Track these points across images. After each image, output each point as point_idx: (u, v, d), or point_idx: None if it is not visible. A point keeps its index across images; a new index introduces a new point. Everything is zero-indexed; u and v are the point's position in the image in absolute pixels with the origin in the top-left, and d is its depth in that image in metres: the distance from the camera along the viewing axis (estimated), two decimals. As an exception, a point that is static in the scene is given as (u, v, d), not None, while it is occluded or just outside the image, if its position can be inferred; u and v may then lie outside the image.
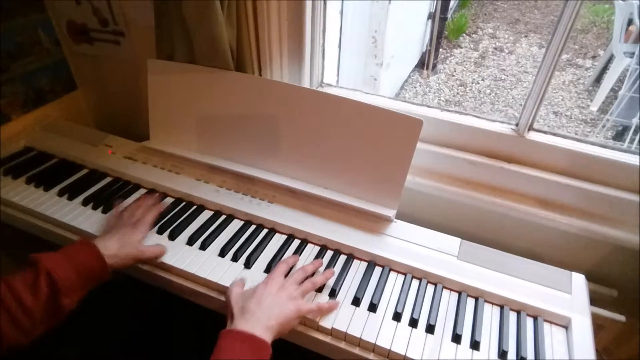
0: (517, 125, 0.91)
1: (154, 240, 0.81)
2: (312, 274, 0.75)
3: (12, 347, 0.60)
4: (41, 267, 0.63)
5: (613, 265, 0.92)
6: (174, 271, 0.77)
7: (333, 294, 0.73)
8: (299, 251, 0.80)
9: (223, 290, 0.74)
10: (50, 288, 0.63)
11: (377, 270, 0.78)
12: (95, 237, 0.75)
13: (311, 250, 0.81)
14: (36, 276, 0.63)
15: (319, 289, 0.73)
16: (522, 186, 0.93)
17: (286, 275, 0.73)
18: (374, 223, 0.84)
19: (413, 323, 0.69)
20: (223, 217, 0.87)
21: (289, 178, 0.90)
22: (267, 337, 0.61)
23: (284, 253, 0.80)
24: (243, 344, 0.59)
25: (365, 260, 0.80)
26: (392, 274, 0.78)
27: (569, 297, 0.73)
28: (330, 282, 0.74)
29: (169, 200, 0.90)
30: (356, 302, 0.72)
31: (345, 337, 0.67)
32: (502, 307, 0.73)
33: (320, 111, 0.85)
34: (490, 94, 3.29)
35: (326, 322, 0.68)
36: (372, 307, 0.71)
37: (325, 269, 0.76)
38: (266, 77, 0.95)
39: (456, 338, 0.68)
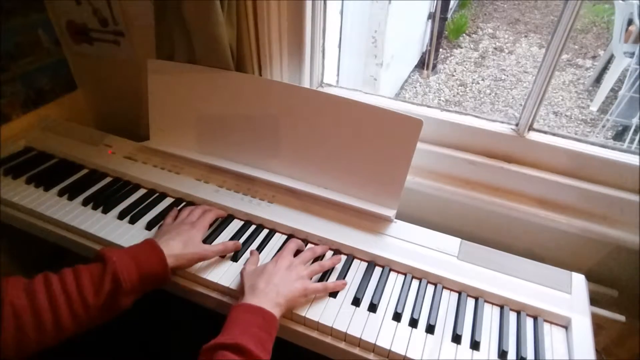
0: (517, 125, 0.91)
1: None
2: (321, 258, 0.77)
3: (64, 338, 0.61)
4: (109, 266, 0.63)
5: (613, 265, 0.92)
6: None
7: (333, 294, 0.73)
8: (299, 251, 0.80)
9: (222, 290, 0.74)
10: (114, 288, 0.63)
11: (377, 271, 0.78)
12: (95, 236, 0.75)
13: (311, 250, 0.81)
14: (103, 273, 0.63)
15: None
16: (522, 186, 0.93)
17: (295, 255, 0.75)
18: (374, 223, 0.84)
19: (413, 323, 0.69)
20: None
21: (289, 178, 0.90)
22: (276, 312, 0.64)
23: (284, 253, 0.80)
24: (253, 315, 0.62)
25: (365, 261, 0.80)
26: (392, 274, 0.78)
27: (569, 297, 0.73)
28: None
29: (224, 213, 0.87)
30: (356, 302, 0.72)
31: (345, 337, 0.67)
32: (502, 307, 0.73)
33: (320, 111, 0.85)
34: (490, 94, 3.29)
35: (326, 322, 0.68)
36: (372, 307, 0.71)
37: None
38: (266, 77, 0.95)
39: (456, 338, 0.68)
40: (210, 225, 0.84)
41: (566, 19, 0.77)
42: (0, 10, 0.98)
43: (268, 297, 0.65)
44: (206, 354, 0.57)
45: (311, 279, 0.73)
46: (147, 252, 0.69)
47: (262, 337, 0.60)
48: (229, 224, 0.86)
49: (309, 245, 0.80)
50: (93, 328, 0.64)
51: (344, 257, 0.79)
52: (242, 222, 0.86)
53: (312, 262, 0.76)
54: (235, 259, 0.78)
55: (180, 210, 0.85)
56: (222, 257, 0.78)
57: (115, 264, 0.64)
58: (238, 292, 0.70)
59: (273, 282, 0.67)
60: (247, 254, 0.79)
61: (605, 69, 3.23)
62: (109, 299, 0.63)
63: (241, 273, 0.72)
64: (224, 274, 0.75)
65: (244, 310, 0.63)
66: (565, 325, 0.71)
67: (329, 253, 0.80)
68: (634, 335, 0.95)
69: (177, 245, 0.71)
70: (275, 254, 0.79)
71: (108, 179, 0.96)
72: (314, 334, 0.69)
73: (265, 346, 0.60)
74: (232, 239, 0.82)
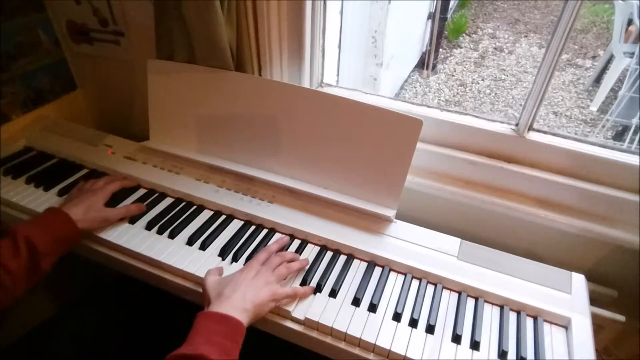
0: (517, 125, 0.91)
1: (152, 238, 0.81)
2: (290, 262, 0.76)
3: None
4: (19, 234, 0.70)
5: (613, 265, 0.92)
6: (173, 271, 0.77)
7: (333, 294, 0.73)
8: (299, 251, 0.80)
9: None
10: (30, 252, 0.69)
11: (377, 271, 0.78)
12: (94, 236, 0.76)
13: (311, 250, 0.81)
14: (15, 242, 0.69)
15: (318, 289, 0.73)
16: (522, 186, 0.93)
17: None
18: (374, 223, 0.84)
19: (413, 323, 0.69)
20: (223, 217, 0.87)
21: (289, 178, 0.90)
22: (243, 318, 0.63)
23: (284, 253, 0.80)
24: (218, 324, 0.61)
25: (365, 261, 0.80)
26: (392, 274, 0.78)
27: (569, 297, 0.73)
28: (331, 282, 0.74)
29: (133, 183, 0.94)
30: (356, 302, 0.72)
31: (345, 337, 0.67)
32: (502, 307, 0.73)
33: (320, 111, 0.85)
34: (490, 94, 3.29)
35: (326, 322, 0.68)
36: (372, 308, 0.71)
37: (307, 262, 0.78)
38: (266, 77, 0.95)
39: (456, 338, 0.68)
40: (210, 225, 0.84)
41: (566, 19, 0.77)
42: (0, 10, 0.98)
43: (234, 304, 0.64)
44: None
45: (279, 283, 0.71)
46: (51, 216, 0.76)
47: (226, 345, 0.59)
48: (228, 224, 0.86)
49: (280, 252, 0.78)
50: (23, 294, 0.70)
51: (340, 265, 0.78)
52: (242, 222, 0.86)
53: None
54: (235, 259, 0.78)
55: (87, 181, 0.90)
56: (222, 257, 0.78)
57: (23, 231, 0.70)
58: (204, 302, 0.68)
59: (240, 290, 0.66)
60: (247, 254, 0.79)
61: (605, 69, 3.23)
62: (30, 263, 0.69)
63: (204, 283, 0.69)
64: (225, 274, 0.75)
65: (209, 319, 0.62)
66: (565, 325, 0.71)
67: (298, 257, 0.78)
68: (633, 335, 0.95)
69: (78, 210, 0.78)
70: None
71: (108, 179, 0.96)
72: (314, 334, 0.69)
73: (230, 355, 0.59)
74: (231, 239, 0.82)
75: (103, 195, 0.84)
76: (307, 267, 0.77)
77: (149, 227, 0.84)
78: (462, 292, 0.75)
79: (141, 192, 0.93)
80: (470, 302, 0.74)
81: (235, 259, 0.78)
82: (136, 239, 0.81)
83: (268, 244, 0.82)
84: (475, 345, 0.67)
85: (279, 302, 0.70)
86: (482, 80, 3.45)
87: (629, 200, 0.86)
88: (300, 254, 0.80)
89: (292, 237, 0.84)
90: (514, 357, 0.66)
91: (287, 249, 0.81)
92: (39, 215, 0.78)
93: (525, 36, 4.09)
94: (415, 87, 3.36)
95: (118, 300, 1.02)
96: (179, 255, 0.78)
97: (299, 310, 0.70)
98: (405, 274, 0.77)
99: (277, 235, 0.84)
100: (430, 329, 0.69)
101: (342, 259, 0.80)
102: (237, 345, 0.61)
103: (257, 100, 0.89)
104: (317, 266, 0.78)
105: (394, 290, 0.75)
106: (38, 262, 0.70)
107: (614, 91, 3.07)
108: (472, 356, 0.66)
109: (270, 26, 0.89)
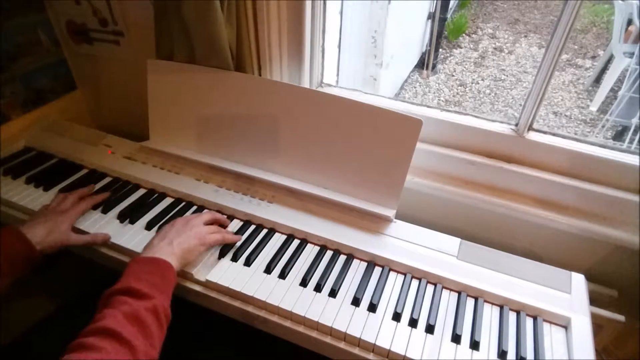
0: (516, 125, 0.91)
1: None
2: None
3: None
4: None
5: (613, 265, 0.92)
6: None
7: (333, 293, 0.73)
8: (298, 251, 0.80)
9: (222, 290, 0.74)
10: None
11: (377, 270, 0.78)
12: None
13: (311, 250, 0.81)
14: None
15: (318, 289, 0.73)
16: (521, 186, 0.93)
17: None
18: (373, 223, 0.84)
19: (413, 323, 0.69)
20: (222, 217, 0.87)
21: (289, 178, 0.90)
22: (171, 260, 0.68)
23: (284, 253, 0.80)
24: (145, 264, 0.66)
25: (364, 260, 0.80)
26: (392, 274, 0.78)
27: (569, 297, 0.73)
28: (330, 282, 0.74)
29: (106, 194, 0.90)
30: (356, 302, 0.72)
31: (345, 337, 0.67)
32: (501, 307, 0.73)
33: (320, 111, 0.85)
34: (490, 94, 3.29)
35: (326, 322, 0.68)
36: (372, 307, 0.71)
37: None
38: (266, 77, 0.95)
39: (456, 338, 0.68)
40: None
41: (566, 19, 0.77)
42: (0, 10, 0.98)
43: (161, 249, 0.69)
44: (101, 303, 0.60)
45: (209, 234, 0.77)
46: (6, 238, 0.72)
47: (155, 281, 0.63)
48: (228, 224, 0.86)
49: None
50: None
51: (339, 264, 0.78)
52: (242, 222, 0.86)
53: None
54: (235, 259, 0.78)
55: (57, 196, 0.87)
56: (222, 256, 0.78)
57: None
58: None
59: (167, 237, 0.72)
60: (246, 254, 0.79)
61: (604, 69, 3.23)
62: None
63: None
64: (224, 274, 0.75)
65: (136, 262, 0.66)
66: (565, 325, 0.71)
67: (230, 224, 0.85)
68: (633, 335, 0.95)
69: (40, 232, 0.75)
70: (275, 254, 0.79)
71: (108, 179, 0.96)
72: (314, 334, 0.69)
73: (162, 289, 0.63)
74: (231, 238, 0.82)
75: (71, 216, 0.80)
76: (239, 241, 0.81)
77: (148, 227, 0.84)
78: (461, 292, 0.75)
79: (141, 192, 0.93)
80: (470, 302, 0.74)
81: (235, 259, 0.78)
82: (135, 239, 0.81)
83: (268, 243, 0.82)
84: (474, 345, 0.67)
85: (208, 246, 0.76)
86: (482, 80, 3.45)
87: (629, 200, 0.86)
88: (299, 254, 0.80)
89: (292, 237, 0.84)
90: (514, 357, 0.66)
91: (286, 249, 0.81)
92: None
93: (525, 36, 4.09)
94: (415, 87, 3.36)
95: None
96: (179, 255, 0.78)
97: (298, 310, 0.70)
98: (405, 274, 0.77)
99: (277, 235, 0.84)
100: (429, 329, 0.69)
101: (342, 258, 0.80)
102: (168, 282, 0.65)
103: (256, 100, 0.89)
104: (317, 266, 0.78)
105: (394, 290, 0.75)
106: None
107: (614, 91, 3.07)
108: (471, 356, 0.66)
109: (270, 26, 0.89)
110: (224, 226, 0.84)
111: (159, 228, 0.83)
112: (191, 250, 0.72)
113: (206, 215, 0.81)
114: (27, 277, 0.73)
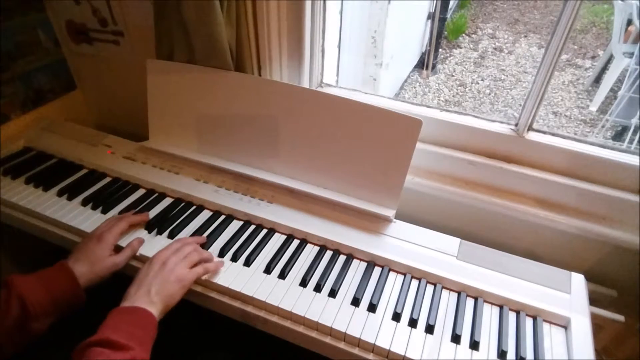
0: (516, 125, 0.91)
1: (151, 239, 0.81)
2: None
3: None
4: (14, 290, 0.63)
5: (613, 265, 0.92)
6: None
7: (332, 293, 0.73)
8: (298, 251, 0.80)
9: (221, 290, 0.74)
10: (21, 312, 0.63)
11: (377, 271, 0.78)
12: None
13: (311, 250, 0.81)
14: (7, 299, 0.63)
15: (317, 289, 0.73)
16: (521, 186, 0.93)
17: None
18: (373, 223, 0.84)
19: (412, 323, 0.69)
20: (222, 217, 0.87)
21: (288, 178, 0.90)
22: (151, 309, 0.63)
23: (284, 253, 0.80)
24: (124, 314, 0.62)
25: (364, 261, 0.80)
26: (392, 274, 0.78)
27: (569, 297, 0.73)
28: (330, 282, 0.74)
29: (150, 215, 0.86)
30: (355, 302, 0.72)
31: (344, 337, 0.67)
32: (501, 307, 0.73)
33: (320, 111, 0.85)
34: (489, 94, 3.29)
35: (326, 322, 0.68)
36: (372, 308, 0.71)
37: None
38: (266, 77, 0.95)
39: (455, 338, 0.68)
40: (210, 225, 0.84)
41: (565, 19, 0.77)
42: (0, 10, 0.98)
43: (139, 297, 0.64)
44: (77, 354, 0.57)
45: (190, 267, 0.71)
46: (55, 273, 0.68)
47: (134, 332, 0.60)
48: (228, 224, 0.85)
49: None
50: (10, 356, 0.63)
51: (339, 264, 0.78)
52: (242, 222, 0.86)
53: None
54: (235, 259, 0.78)
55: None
56: (222, 256, 0.78)
57: (20, 288, 0.63)
58: None
59: (144, 284, 0.66)
60: (246, 254, 0.79)
61: (604, 69, 3.23)
62: (17, 324, 0.62)
63: None
64: (223, 274, 0.75)
65: (116, 312, 0.62)
66: (565, 325, 0.71)
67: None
68: (633, 335, 0.95)
69: (82, 267, 0.70)
70: (275, 254, 0.79)
71: (107, 179, 0.96)
72: (314, 334, 0.69)
73: (141, 341, 0.60)
74: (231, 239, 0.82)
75: (108, 243, 0.75)
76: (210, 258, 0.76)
77: (148, 227, 0.84)
78: (461, 292, 0.75)
79: (141, 192, 0.93)
80: (470, 302, 0.74)
81: (234, 258, 0.78)
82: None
83: (268, 243, 0.82)
84: (474, 345, 0.67)
85: (191, 285, 0.71)
86: (482, 80, 3.45)
87: (629, 200, 0.86)
88: (299, 254, 0.80)
89: (292, 237, 0.84)
90: (514, 357, 0.66)
91: (286, 249, 0.81)
92: (44, 270, 0.69)
93: (525, 36, 4.09)
94: (414, 87, 3.36)
95: (116, 300, 1.02)
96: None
97: (298, 310, 0.70)
98: (404, 274, 0.77)
99: (276, 235, 0.84)
100: (429, 329, 0.68)
101: (342, 259, 0.80)
102: (148, 333, 0.61)
103: (256, 100, 0.89)
104: (317, 266, 0.78)
105: (394, 290, 0.75)
106: (28, 324, 0.63)
107: (614, 91, 3.07)
108: (471, 356, 0.66)
109: (270, 26, 0.89)
110: (203, 245, 0.80)
111: (159, 228, 0.83)
112: (172, 295, 0.67)
113: (187, 248, 0.74)
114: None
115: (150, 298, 0.65)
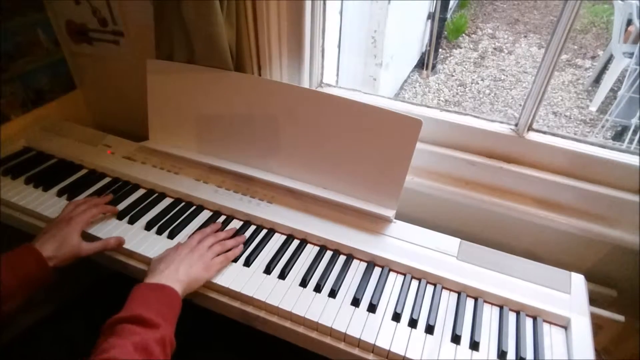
0: (516, 125, 0.91)
1: (151, 239, 0.81)
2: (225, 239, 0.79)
3: None
4: None
5: (612, 266, 0.92)
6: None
7: (332, 294, 0.73)
8: (298, 251, 0.80)
9: (221, 290, 0.74)
10: None
11: (377, 271, 0.78)
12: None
13: (310, 250, 0.81)
14: None
15: (317, 289, 0.73)
16: (521, 186, 0.93)
17: None
18: (373, 223, 0.84)
19: (412, 323, 0.69)
20: (222, 217, 0.87)
21: (288, 178, 0.90)
22: (177, 287, 0.66)
23: (284, 253, 0.80)
24: (152, 291, 0.64)
25: (364, 261, 0.80)
26: (392, 275, 0.78)
27: (568, 297, 0.73)
28: (330, 283, 0.74)
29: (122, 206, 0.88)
30: (355, 302, 0.72)
31: (344, 337, 0.67)
32: (501, 308, 0.73)
33: (320, 111, 0.85)
34: (489, 94, 3.29)
35: (326, 322, 0.68)
36: (372, 308, 0.71)
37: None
38: (265, 77, 0.95)
39: (455, 338, 0.68)
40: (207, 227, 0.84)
41: (565, 19, 0.77)
42: (0, 10, 0.99)
43: (168, 276, 0.66)
44: (107, 331, 0.57)
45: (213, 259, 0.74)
46: (21, 255, 0.69)
47: (161, 309, 0.61)
48: (228, 224, 0.85)
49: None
50: None
51: (339, 265, 0.78)
52: (242, 222, 0.86)
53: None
54: (235, 259, 0.78)
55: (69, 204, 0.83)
56: (234, 261, 0.78)
57: None
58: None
59: (173, 264, 0.69)
60: (246, 254, 0.79)
61: (604, 69, 3.23)
62: None
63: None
64: (223, 274, 0.75)
65: (143, 287, 0.64)
66: (565, 326, 0.71)
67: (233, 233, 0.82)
68: (633, 335, 0.95)
69: (49, 246, 0.71)
70: (275, 254, 0.79)
71: (107, 179, 0.96)
72: (314, 335, 0.69)
73: (168, 318, 0.61)
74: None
75: (78, 226, 0.76)
76: (243, 242, 0.80)
77: (148, 227, 0.83)
78: (461, 292, 0.75)
79: (141, 192, 0.93)
80: (470, 302, 0.74)
81: (234, 259, 0.78)
82: (135, 239, 0.81)
83: (268, 243, 0.82)
84: (474, 345, 0.67)
85: (214, 272, 0.73)
86: (482, 80, 3.45)
87: (629, 200, 0.86)
88: (299, 254, 0.80)
89: (292, 237, 0.83)
90: (514, 357, 0.66)
91: (286, 249, 0.81)
92: (9, 252, 0.69)
93: (525, 36, 4.09)
94: (414, 87, 3.36)
95: (115, 300, 1.02)
96: (179, 256, 0.78)
97: (298, 311, 0.70)
98: (404, 274, 0.77)
99: (276, 235, 0.84)
100: (429, 329, 0.68)
101: (342, 259, 0.80)
102: (174, 311, 0.63)
103: (256, 101, 0.89)
104: (317, 266, 0.78)
105: (394, 290, 0.75)
106: None
107: (614, 91, 3.07)
108: (471, 356, 0.66)
109: (270, 26, 0.89)
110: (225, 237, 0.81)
111: (159, 228, 0.83)
112: (197, 279, 0.70)
113: (210, 239, 0.77)
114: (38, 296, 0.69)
115: (178, 276, 0.67)
